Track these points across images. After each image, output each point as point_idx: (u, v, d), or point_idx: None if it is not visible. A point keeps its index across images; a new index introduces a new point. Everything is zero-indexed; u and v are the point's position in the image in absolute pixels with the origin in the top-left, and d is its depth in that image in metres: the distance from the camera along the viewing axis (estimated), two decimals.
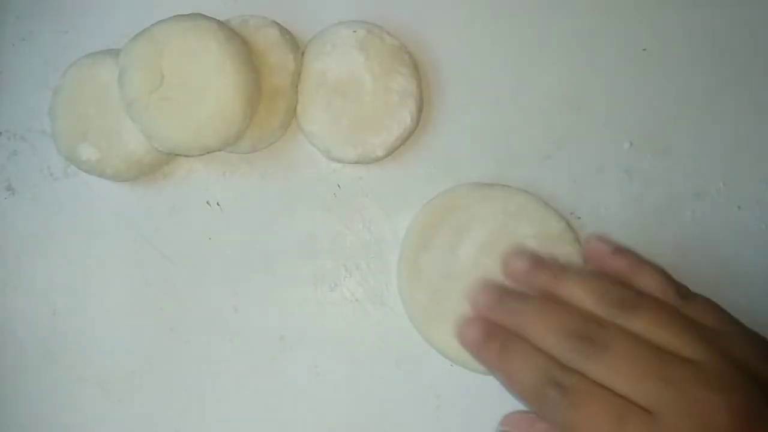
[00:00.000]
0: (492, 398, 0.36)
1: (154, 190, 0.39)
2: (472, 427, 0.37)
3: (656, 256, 0.37)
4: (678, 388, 0.27)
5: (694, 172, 0.38)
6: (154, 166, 0.38)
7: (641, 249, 0.37)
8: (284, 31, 0.38)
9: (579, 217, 0.38)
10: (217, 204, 0.39)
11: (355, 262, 0.38)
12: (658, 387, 0.27)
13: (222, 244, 0.38)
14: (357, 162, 0.37)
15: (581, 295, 0.30)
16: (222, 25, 0.35)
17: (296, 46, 0.38)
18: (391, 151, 0.38)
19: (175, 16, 0.35)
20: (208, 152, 0.36)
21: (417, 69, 0.38)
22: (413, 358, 0.37)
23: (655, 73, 0.39)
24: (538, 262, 0.32)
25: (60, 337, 0.38)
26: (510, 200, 0.37)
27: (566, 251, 0.36)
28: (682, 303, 0.30)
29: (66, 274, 0.39)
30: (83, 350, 0.38)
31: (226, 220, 0.39)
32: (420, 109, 0.38)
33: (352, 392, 0.37)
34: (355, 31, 0.37)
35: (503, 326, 0.31)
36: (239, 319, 0.38)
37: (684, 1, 0.40)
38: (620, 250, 0.32)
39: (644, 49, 0.40)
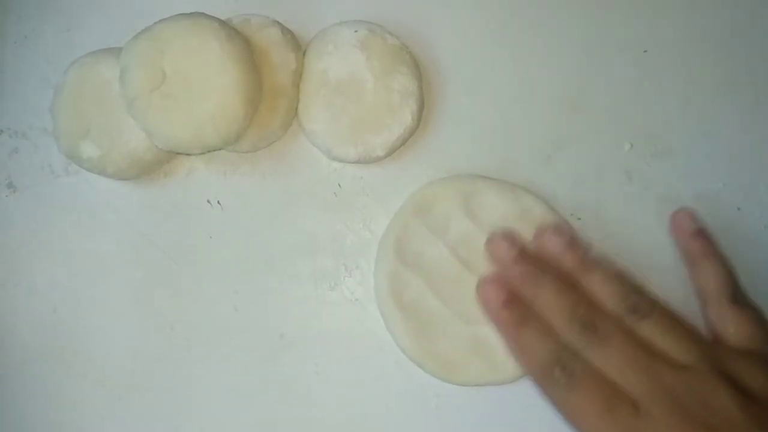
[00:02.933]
0: (491, 398, 0.36)
1: (155, 189, 0.39)
2: (471, 428, 0.37)
3: (656, 257, 0.37)
4: (660, 385, 0.29)
5: (694, 173, 0.39)
6: (155, 164, 0.38)
7: (642, 250, 0.37)
8: (286, 31, 0.38)
9: (579, 218, 0.38)
10: (218, 203, 0.39)
11: (356, 261, 0.38)
12: (642, 381, 0.29)
13: (222, 243, 0.38)
14: (358, 161, 0.38)
15: (601, 292, 0.32)
16: (223, 24, 0.35)
17: (298, 45, 0.38)
18: (392, 151, 0.38)
19: (176, 15, 0.35)
20: (209, 151, 0.36)
21: (418, 69, 0.38)
22: None
23: (655, 75, 0.39)
24: (573, 245, 0.34)
25: (60, 334, 0.38)
26: (515, 200, 0.37)
27: None
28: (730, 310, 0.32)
29: (67, 271, 0.39)
30: (83, 348, 0.38)
31: (227, 219, 0.39)
32: (421, 109, 0.38)
33: (351, 391, 0.37)
34: (356, 31, 0.37)
35: (521, 297, 0.33)
36: (239, 318, 0.38)
37: (685, 3, 0.40)
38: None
39: (645, 51, 0.40)
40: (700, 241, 0.35)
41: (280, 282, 0.38)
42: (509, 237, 0.35)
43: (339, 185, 0.39)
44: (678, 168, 0.39)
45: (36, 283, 0.39)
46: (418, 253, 0.36)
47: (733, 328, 0.32)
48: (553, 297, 0.32)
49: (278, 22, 0.38)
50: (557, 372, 0.30)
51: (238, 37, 0.35)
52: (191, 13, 0.36)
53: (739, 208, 0.38)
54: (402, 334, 0.36)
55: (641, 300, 0.32)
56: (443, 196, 0.37)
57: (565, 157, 0.39)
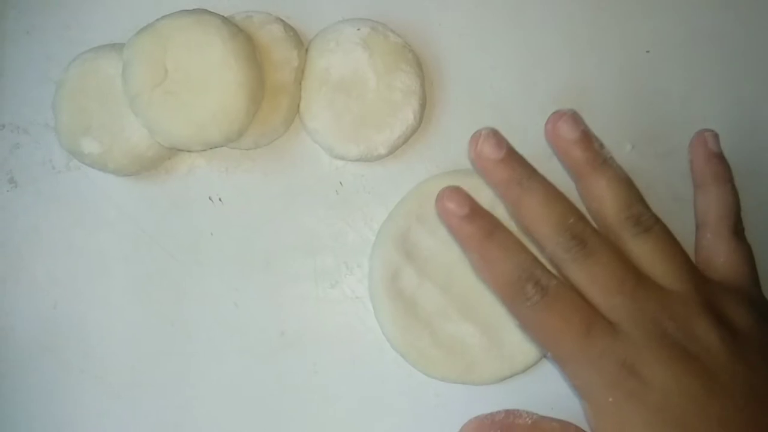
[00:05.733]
0: (491, 397, 0.36)
1: (156, 185, 0.39)
2: None
3: None
4: (644, 309, 0.28)
5: None
6: (157, 160, 0.38)
7: None
8: (288, 28, 0.38)
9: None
10: (219, 199, 0.39)
11: (357, 259, 0.38)
12: (626, 304, 0.28)
13: (223, 240, 0.38)
14: (359, 159, 0.38)
15: (604, 197, 0.30)
16: (226, 20, 0.35)
17: (300, 42, 0.38)
18: (394, 149, 0.38)
19: (179, 11, 0.35)
20: (210, 148, 0.36)
21: (420, 67, 0.38)
22: None
23: (657, 76, 0.39)
24: (589, 137, 0.31)
25: (60, 330, 0.38)
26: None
27: None
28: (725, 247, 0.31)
29: (67, 267, 0.39)
30: (83, 344, 0.38)
31: (228, 216, 0.39)
32: (423, 108, 0.38)
33: (351, 389, 0.37)
34: (359, 29, 0.37)
35: (486, 210, 0.30)
36: (239, 315, 0.38)
37: (687, 3, 0.40)
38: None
39: (647, 51, 0.40)
40: (713, 164, 0.33)
41: (281, 279, 0.38)
42: (494, 136, 0.30)
43: (340, 183, 0.39)
44: (679, 169, 0.39)
45: (36, 279, 0.39)
46: (417, 245, 0.36)
47: (723, 259, 0.31)
48: (540, 203, 0.29)
49: (281, 20, 0.38)
50: (529, 288, 0.28)
51: (240, 34, 0.35)
52: (194, 10, 0.36)
53: None
54: (389, 322, 0.36)
55: (645, 212, 0.30)
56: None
57: None
